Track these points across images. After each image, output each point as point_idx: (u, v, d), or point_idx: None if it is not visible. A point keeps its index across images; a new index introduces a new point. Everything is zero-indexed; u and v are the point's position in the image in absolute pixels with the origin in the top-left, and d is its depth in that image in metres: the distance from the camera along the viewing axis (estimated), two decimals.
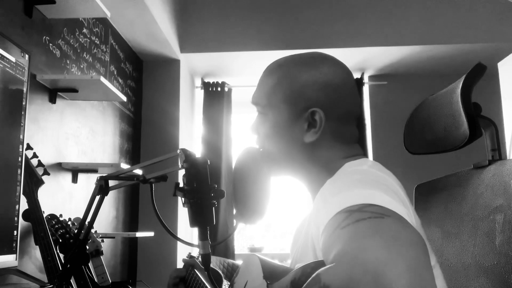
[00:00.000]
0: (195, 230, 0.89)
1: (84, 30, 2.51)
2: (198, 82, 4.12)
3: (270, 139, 0.89)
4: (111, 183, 1.01)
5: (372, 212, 0.58)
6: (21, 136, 1.55)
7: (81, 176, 2.38)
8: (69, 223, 1.83)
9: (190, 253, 1.30)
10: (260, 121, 0.91)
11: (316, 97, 0.85)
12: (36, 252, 1.88)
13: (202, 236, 0.89)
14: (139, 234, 2.92)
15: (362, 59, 3.75)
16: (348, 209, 0.60)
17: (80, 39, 2.45)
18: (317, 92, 0.85)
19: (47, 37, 2.09)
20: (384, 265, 0.48)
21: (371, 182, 0.70)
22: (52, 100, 2.13)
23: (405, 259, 0.49)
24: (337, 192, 0.67)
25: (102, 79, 2.13)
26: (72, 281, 1.68)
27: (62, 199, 2.20)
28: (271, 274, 0.79)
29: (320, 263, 0.61)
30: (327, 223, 0.62)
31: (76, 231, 1.72)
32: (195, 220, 0.88)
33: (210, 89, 4.05)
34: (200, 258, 0.89)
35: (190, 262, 1.26)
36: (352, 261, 0.49)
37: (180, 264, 3.36)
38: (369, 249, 0.50)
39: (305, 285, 0.51)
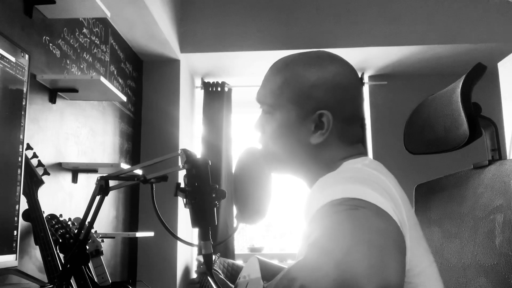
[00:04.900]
0: (196, 230, 0.90)
1: (84, 30, 2.51)
2: (198, 82, 4.12)
3: (275, 139, 0.88)
4: (111, 183, 1.01)
5: (350, 205, 0.60)
6: (21, 136, 1.55)
7: (81, 176, 2.38)
8: (69, 223, 1.83)
9: (200, 261, 1.30)
10: (265, 120, 0.90)
11: (324, 98, 0.84)
12: (36, 252, 1.88)
13: (204, 237, 0.89)
14: (139, 234, 2.92)
15: (362, 59, 3.75)
16: (330, 203, 0.62)
17: (80, 39, 2.45)
18: (326, 94, 0.84)
19: (47, 37, 2.09)
20: (347, 251, 0.50)
21: (359, 178, 0.72)
22: (52, 100, 2.13)
23: (369, 245, 0.50)
24: (324, 189, 0.69)
25: (102, 79, 2.13)
26: (72, 281, 1.68)
27: (62, 199, 2.20)
28: (269, 274, 0.80)
29: None
30: (311, 217, 0.64)
31: (76, 231, 1.72)
32: (197, 220, 0.88)
33: (210, 89, 4.05)
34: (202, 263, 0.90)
35: (203, 271, 1.27)
36: (320, 251, 0.52)
37: (180, 264, 3.36)
38: (336, 238, 0.52)
39: (277, 278, 0.54)
